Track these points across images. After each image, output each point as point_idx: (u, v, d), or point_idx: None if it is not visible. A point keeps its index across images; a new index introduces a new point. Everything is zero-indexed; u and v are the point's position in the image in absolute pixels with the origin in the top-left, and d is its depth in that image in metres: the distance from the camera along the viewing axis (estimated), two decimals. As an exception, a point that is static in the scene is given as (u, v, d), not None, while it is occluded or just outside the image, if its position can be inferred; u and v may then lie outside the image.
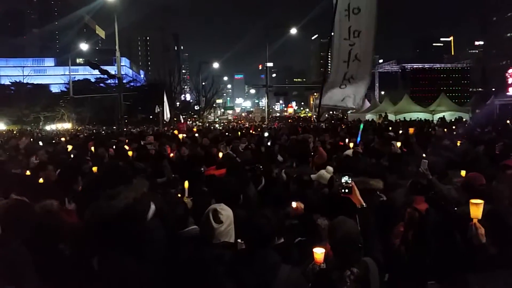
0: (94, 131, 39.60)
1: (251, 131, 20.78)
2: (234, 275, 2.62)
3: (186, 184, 4.67)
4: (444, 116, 30.46)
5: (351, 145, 8.61)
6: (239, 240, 2.94)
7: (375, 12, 6.60)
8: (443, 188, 4.97)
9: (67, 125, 57.20)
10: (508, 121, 18.00)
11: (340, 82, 6.89)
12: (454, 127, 16.91)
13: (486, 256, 2.48)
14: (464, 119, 27.74)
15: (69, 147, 11.70)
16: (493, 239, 2.40)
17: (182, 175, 6.44)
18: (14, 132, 36.05)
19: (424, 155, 7.00)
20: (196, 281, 2.83)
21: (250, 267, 2.61)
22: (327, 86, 7.07)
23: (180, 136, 13.16)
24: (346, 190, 3.45)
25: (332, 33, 7.04)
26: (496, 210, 2.47)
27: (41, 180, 4.90)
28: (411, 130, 9.64)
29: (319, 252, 2.98)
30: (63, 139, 12.80)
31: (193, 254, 3.01)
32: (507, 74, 33.79)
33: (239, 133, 18.44)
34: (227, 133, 18.75)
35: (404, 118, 31.75)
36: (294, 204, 3.96)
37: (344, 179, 3.48)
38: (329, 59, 8.29)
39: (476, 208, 2.98)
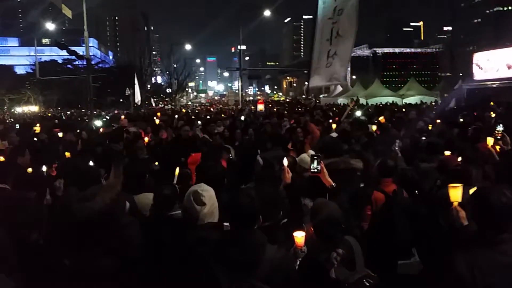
0: (62, 114, 38.45)
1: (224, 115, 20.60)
2: (219, 256, 2.58)
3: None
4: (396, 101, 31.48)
5: (334, 126, 8.70)
6: (225, 224, 2.89)
7: None
8: (402, 167, 5.08)
9: (34, 108, 55.41)
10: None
11: (325, 61, 6.92)
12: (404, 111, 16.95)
13: (470, 236, 2.54)
14: (431, 102, 28.42)
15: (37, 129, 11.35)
16: (478, 219, 2.45)
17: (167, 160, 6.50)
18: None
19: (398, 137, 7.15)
20: (181, 264, 2.79)
21: (235, 247, 2.56)
22: (314, 72, 7.06)
23: (157, 121, 12.90)
24: (316, 170, 3.71)
25: (316, 16, 7.02)
26: (481, 190, 2.52)
27: (29, 170, 4.76)
28: (382, 120, 9.67)
29: (299, 236, 2.94)
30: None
31: (178, 237, 2.96)
32: (473, 59, 34.50)
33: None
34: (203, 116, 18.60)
35: (367, 102, 32.15)
36: (285, 162, 3.95)
37: (315, 159, 3.72)
38: (302, 41, 8.16)
39: (455, 191, 3.00)
